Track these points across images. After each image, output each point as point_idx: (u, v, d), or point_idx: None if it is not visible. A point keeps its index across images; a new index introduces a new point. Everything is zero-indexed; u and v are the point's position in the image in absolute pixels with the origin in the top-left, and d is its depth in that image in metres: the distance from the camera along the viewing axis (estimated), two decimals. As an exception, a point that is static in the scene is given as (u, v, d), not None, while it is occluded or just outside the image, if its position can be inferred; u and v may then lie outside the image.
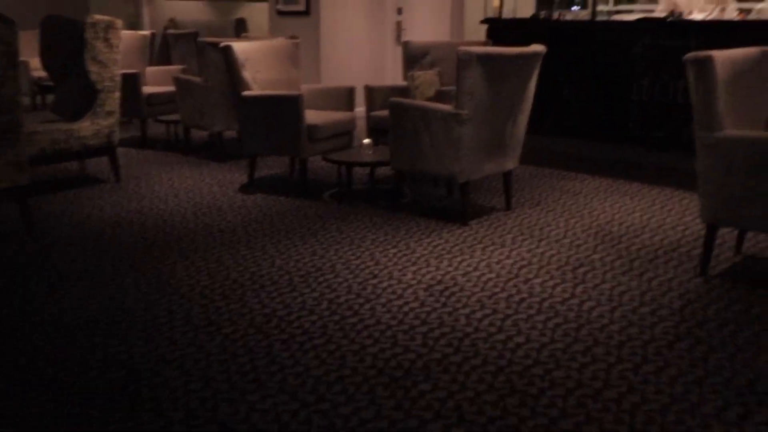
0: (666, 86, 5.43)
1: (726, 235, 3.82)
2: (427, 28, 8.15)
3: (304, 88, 5.36)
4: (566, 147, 6.27)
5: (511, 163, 4.35)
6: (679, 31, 5.32)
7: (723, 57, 3.20)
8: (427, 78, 5.25)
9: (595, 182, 5.18)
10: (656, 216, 4.34)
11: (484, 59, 3.79)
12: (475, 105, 3.87)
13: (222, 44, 4.86)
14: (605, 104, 5.81)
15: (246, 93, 4.80)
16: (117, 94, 4.95)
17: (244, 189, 4.98)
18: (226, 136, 5.96)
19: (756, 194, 3.03)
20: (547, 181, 5.24)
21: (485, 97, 3.90)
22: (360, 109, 5.44)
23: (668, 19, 5.46)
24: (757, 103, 3.51)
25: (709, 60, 3.03)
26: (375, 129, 5.08)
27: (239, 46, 4.91)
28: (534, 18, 6.53)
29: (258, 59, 5.06)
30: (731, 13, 5.61)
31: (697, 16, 5.75)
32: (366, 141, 4.77)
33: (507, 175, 4.42)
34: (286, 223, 4.15)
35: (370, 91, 5.19)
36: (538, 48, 4.09)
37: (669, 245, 3.78)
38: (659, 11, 6.11)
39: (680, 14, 5.62)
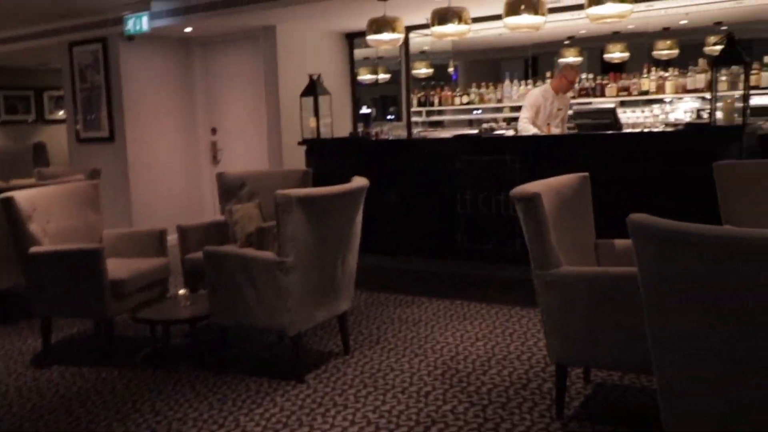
0: (488, 199, 5.45)
1: (571, 361, 3.70)
2: (244, 148, 7.84)
3: (108, 234, 4.76)
4: (398, 264, 6.10)
5: (345, 304, 4.02)
6: (493, 146, 5.41)
7: (547, 189, 3.13)
8: (246, 211, 4.86)
9: (433, 306, 4.99)
10: (500, 343, 4.17)
11: (305, 202, 3.49)
12: (299, 250, 3.53)
13: (0, 197, 4.17)
14: (432, 219, 5.74)
15: (34, 250, 4.11)
16: None
17: (38, 361, 4.20)
18: (17, 285, 5.12)
19: (599, 331, 2.91)
20: (384, 309, 4.97)
21: (310, 240, 3.57)
22: (173, 236, 4.90)
23: (482, 136, 5.57)
24: (583, 228, 3.49)
25: (537, 197, 2.92)
26: (192, 273, 4.56)
27: (24, 195, 4.25)
28: (353, 137, 6.44)
29: (49, 207, 4.41)
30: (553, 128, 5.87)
31: (556, 130, 5.94)
32: (182, 292, 4.24)
33: (342, 317, 4.07)
34: (89, 409, 3.47)
35: (183, 232, 4.69)
36: (361, 182, 3.87)
37: (518, 380, 3.58)
38: (523, 118, 6.21)
39: (492, 130, 5.76)
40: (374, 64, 9.08)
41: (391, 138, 6.49)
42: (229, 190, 5.16)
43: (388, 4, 6.18)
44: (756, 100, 6.34)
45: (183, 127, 8.07)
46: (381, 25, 6.10)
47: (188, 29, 7.33)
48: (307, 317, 3.68)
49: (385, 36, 6.02)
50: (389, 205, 5.86)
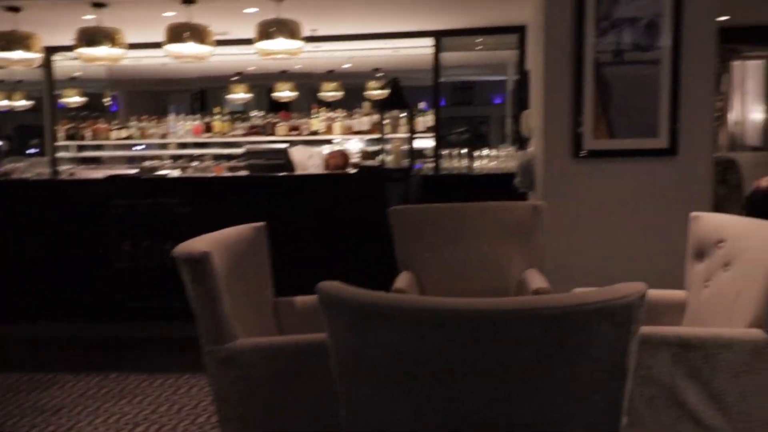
0: (151, 249, 4.76)
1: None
2: None
3: None
4: (40, 333, 5.00)
5: (-51, 404, 2.98)
6: (155, 188, 4.74)
7: (218, 244, 2.61)
8: None
9: (81, 385, 4.07)
10: (166, 425, 3.48)
11: None
12: None
13: None
14: (83, 275, 4.84)
15: None
16: None
17: None
18: None
19: (285, 413, 2.46)
20: (14, 396, 3.91)
21: None
22: None
23: (141, 176, 4.86)
24: (260, 287, 3.03)
25: (205, 257, 2.38)
26: None
27: None
28: (-26, 176, 5.20)
29: None
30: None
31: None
32: None
33: (-55, 421, 3.01)
34: None
35: None
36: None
37: (189, 474, 2.96)
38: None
39: (154, 169, 5.09)
40: (10, 88, 7.76)
41: (27, 178, 5.39)
42: None
43: (21, 17, 5.15)
44: (414, 144, 6.69)
45: None
46: (11, 40, 5.04)
47: None
48: None
49: (16, 54, 4.99)
50: (27, 261, 4.81)
